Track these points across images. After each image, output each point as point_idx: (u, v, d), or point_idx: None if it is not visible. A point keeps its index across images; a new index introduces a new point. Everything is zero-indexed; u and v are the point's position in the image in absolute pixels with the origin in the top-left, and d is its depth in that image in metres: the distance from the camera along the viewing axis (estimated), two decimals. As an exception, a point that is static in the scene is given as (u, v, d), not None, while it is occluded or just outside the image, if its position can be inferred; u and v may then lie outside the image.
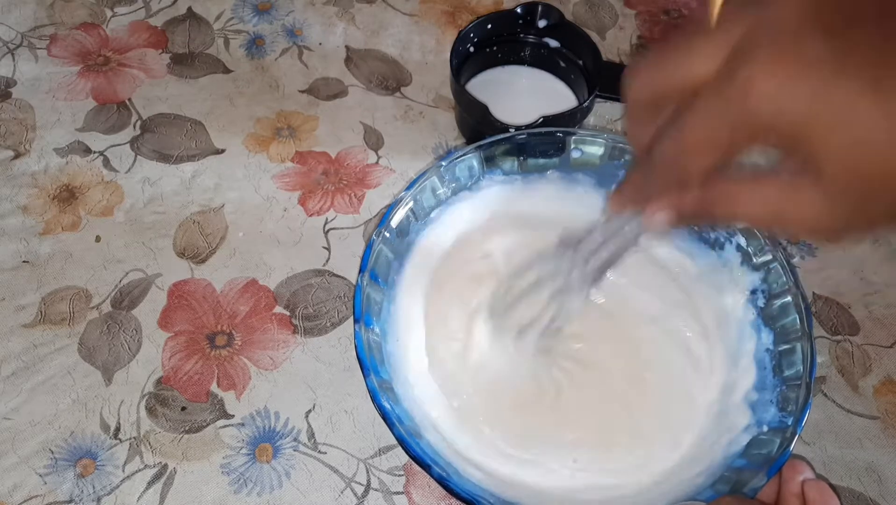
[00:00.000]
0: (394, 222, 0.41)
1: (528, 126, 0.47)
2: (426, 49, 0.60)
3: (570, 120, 0.50)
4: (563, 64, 0.56)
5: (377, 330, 0.39)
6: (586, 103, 0.50)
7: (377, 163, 0.53)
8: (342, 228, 0.50)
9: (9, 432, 0.41)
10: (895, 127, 0.20)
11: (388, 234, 0.41)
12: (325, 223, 0.50)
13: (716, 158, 0.24)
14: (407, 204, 0.42)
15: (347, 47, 0.60)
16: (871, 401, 0.44)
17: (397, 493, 0.40)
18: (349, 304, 0.47)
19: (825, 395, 0.44)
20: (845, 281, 0.49)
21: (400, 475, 0.41)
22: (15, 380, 0.43)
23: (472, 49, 0.54)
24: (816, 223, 0.23)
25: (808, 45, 0.21)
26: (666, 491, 0.36)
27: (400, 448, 0.41)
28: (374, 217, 0.50)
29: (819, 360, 0.45)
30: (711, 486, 0.35)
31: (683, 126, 0.24)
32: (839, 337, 0.47)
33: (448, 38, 0.60)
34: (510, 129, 0.48)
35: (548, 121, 0.48)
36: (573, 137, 0.44)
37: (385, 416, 0.34)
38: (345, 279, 0.48)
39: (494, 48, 0.56)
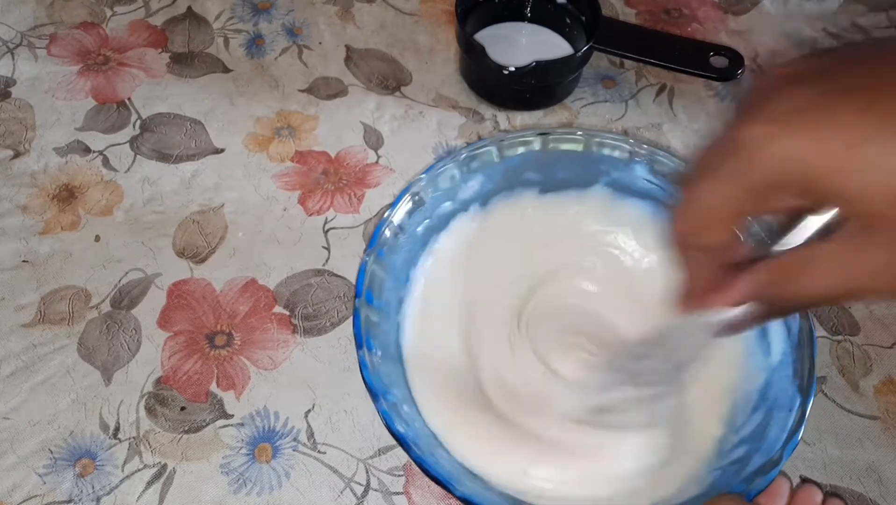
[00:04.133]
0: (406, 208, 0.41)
1: (520, 69, 0.51)
2: (426, 49, 0.60)
3: (565, 67, 0.54)
4: (568, 21, 0.57)
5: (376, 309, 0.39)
6: (580, 53, 0.53)
7: (377, 162, 0.53)
8: (342, 228, 0.50)
9: (8, 432, 0.41)
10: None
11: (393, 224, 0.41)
12: (325, 223, 0.50)
13: (735, 224, 0.24)
14: (416, 193, 0.42)
15: (347, 47, 0.60)
16: (871, 401, 0.44)
17: (397, 493, 0.40)
18: (349, 304, 0.46)
19: (825, 395, 0.44)
20: (846, 281, 0.49)
21: (399, 475, 0.41)
22: (14, 380, 0.43)
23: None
24: (891, 279, 0.22)
25: (794, 95, 0.21)
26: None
27: (400, 448, 0.41)
28: (374, 217, 0.50)
29: (819, 360, 0.45)
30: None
31: (692, 199, 0.24)
32: (840, 337, 0.47)
33: (448, 38, 0.60)
34: (505, 70, 0.51)
35: (541, 65, 0.51)
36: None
37: (370, 389, 0.35)
38: (344, 279, 0.48)
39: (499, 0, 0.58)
